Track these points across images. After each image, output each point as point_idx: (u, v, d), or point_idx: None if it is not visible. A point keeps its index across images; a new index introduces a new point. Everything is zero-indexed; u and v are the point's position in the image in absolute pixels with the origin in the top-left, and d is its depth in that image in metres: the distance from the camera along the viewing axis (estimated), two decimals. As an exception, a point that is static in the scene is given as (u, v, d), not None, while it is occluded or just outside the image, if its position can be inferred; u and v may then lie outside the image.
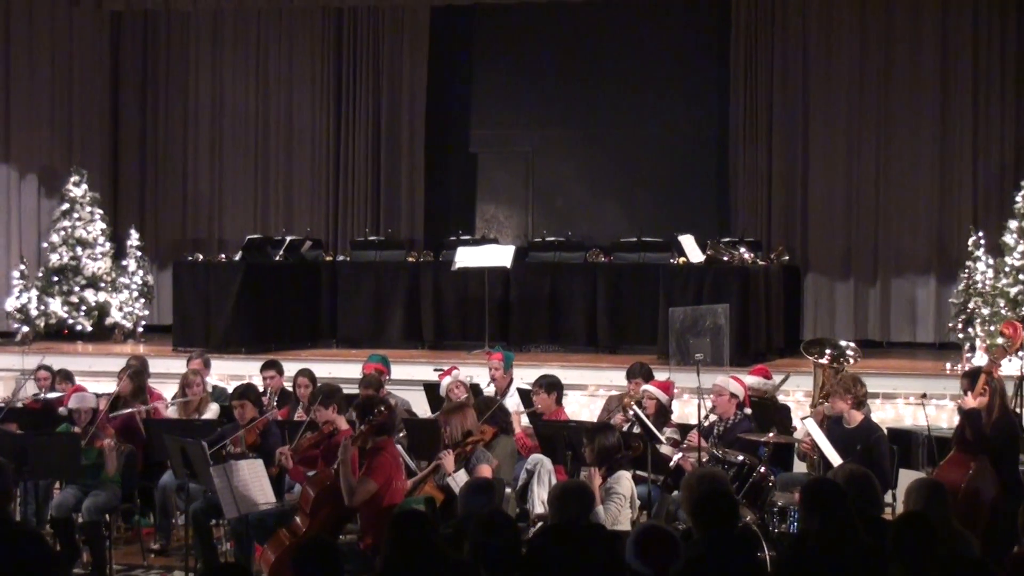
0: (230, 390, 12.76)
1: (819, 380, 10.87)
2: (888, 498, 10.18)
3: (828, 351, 11.09)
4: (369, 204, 19.18)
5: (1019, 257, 15.08)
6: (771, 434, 10.07)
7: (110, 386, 12.27)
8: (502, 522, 6.25)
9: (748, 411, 10.82)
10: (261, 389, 12.62)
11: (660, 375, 11.93)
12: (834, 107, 17.80)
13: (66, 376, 12.47)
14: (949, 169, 17.42)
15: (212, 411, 12.03)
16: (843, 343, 11.45)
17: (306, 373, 12.23)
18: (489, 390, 12.18)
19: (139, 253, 18.50)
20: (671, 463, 10.06)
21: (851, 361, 10.99)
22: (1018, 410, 10.78)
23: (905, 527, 6.12)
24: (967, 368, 12.60)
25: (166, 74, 20.14)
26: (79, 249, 17.94)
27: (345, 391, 10.73)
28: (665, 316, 15.00)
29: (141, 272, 18.39)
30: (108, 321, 17.94)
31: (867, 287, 17.72)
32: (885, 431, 10.54)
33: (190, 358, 13.35)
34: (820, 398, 10.65)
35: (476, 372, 13.30)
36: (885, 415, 12.92)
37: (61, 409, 11.45)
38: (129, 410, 11.47)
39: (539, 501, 9.91)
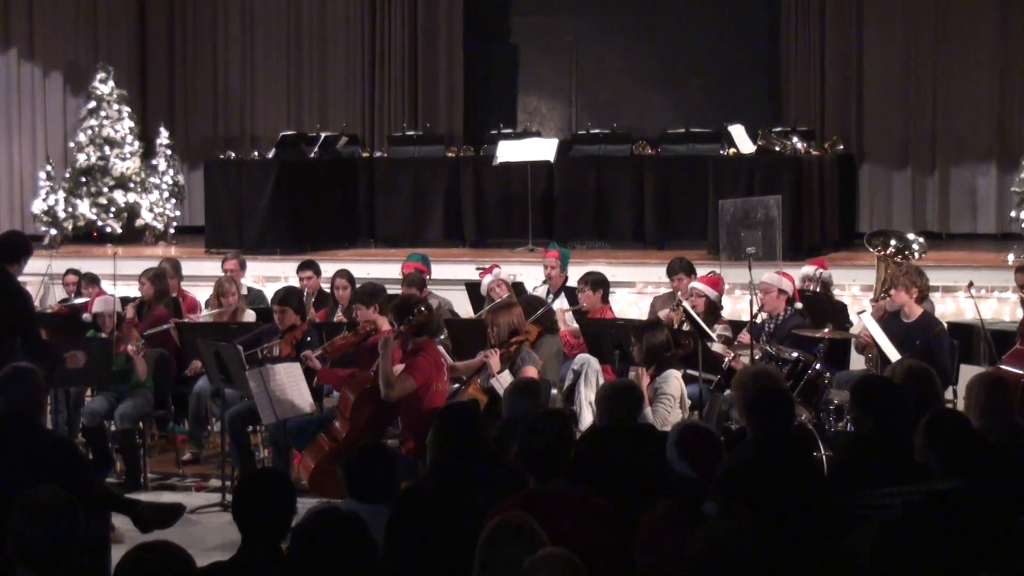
0: (266, 292, 12.57)
1: (882, 274, 10.56)
2: (949, 394, 10.01)
3: (893, 243, 10.73)
4: (406, 98, 18.87)
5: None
6: (826, 330, 9.84)
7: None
8: (553, 422, 6.04)
9: (799, 306, 10.66)
10: (298, 290, 12.41)
11: (712, 270, 11.66)
12: (889, -11, 17.29)
13: (92, 280, 12.31)
14: (1011, 52, 16.95)
15: (248, 319, 11.74)
16: (910, 236, 11.13)
17: (344, 274, 11.99)
18: (542, 290, 12.01)
19: (169, 152, 18.23)
20: (723, 364, 9.88)
21: (916, 255, 10.66)
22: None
23: (935, 425, 5.86)
24: (1024, 261, 12.30)
25: (194, -35, 19.77)
26: (107, 148, 17.64)
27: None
28: (715, 210, 14.80)
29: (171, 171, 18.14)
30: (138, 223, 17.76)
31: (925, 176, 17.35)
32: (945, 325, 10.38)
33: (225, 259, 13.13)
34: (882, 292, 10.29)
35: (518, 271, 13.26)
36: (945, 309, 12.75)
37: (85, 315, 11.31)
38: (165, 326, 11.28)
39: (586, 402, 9.82)
